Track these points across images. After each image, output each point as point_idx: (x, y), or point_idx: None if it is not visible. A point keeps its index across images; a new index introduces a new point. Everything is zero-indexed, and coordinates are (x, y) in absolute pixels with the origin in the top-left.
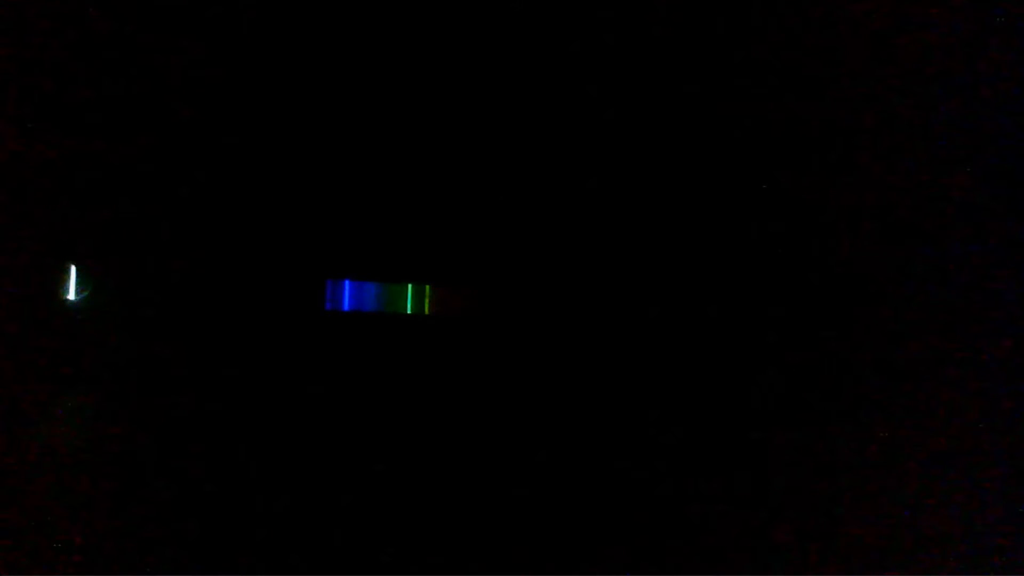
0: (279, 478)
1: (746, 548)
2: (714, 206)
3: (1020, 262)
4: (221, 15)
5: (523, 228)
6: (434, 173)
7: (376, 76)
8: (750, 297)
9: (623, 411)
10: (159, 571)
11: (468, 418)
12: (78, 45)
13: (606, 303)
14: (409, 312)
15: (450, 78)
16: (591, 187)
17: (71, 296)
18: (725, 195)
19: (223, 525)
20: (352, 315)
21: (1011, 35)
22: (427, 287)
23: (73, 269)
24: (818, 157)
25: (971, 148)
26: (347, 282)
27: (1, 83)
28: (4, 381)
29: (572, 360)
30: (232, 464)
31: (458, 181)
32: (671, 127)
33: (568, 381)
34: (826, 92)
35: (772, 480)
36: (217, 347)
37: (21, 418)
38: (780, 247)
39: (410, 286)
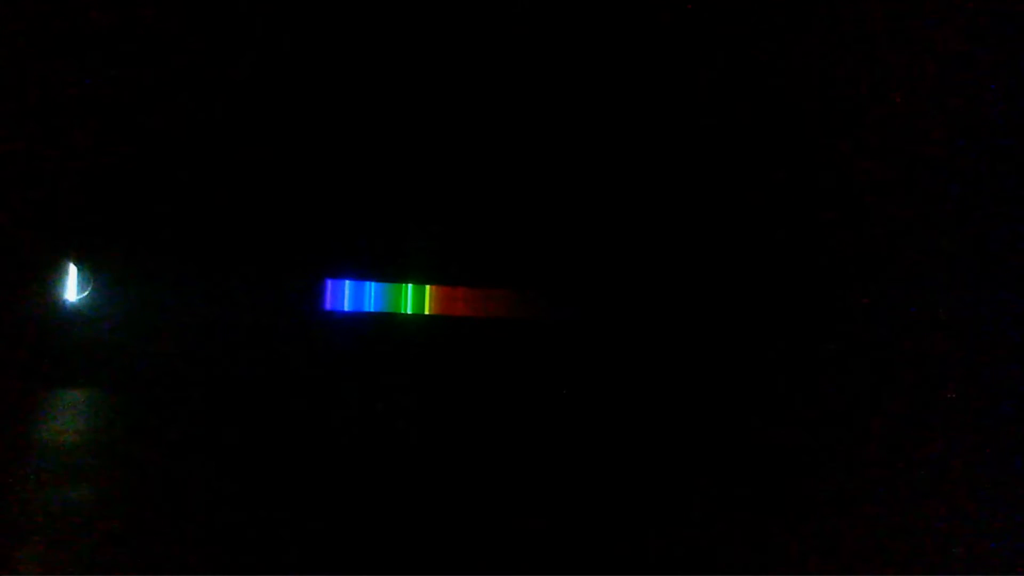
0: (279, 476)
1: (746, 548)
2: (714, 211)
3: (1020, 262)
4: (223, 18)
5: (523, 229)
6: (434, 175)
7: (377, 80)
8: (749, 300)
9: (622, 412)
10: (159, 570)
11: (467, 416)
12: (79, 47)
13: (605, 304)
14: (409, 312)
15: (451, 82)
16: (589, 189)
17: (71, 296)
18: (724, 199)
19: (223, 523)
20: (352, 315)
21: (1012, 35)
22: (427, 287)
23: (73, 269)
24: (819, 159)
25: (972, 148)
26: (347, 282)
27: (2, 84)
28: (4, 381)
29: (571, 360)
30: (232, 462)
31: (458, 183)
32: (675, 130)
33: (567, 381)
34: (826, 93)
35: (772, 480)
36: (217, 347)
37: (21, 418)
38: (781, 250)
39: (410, 286)
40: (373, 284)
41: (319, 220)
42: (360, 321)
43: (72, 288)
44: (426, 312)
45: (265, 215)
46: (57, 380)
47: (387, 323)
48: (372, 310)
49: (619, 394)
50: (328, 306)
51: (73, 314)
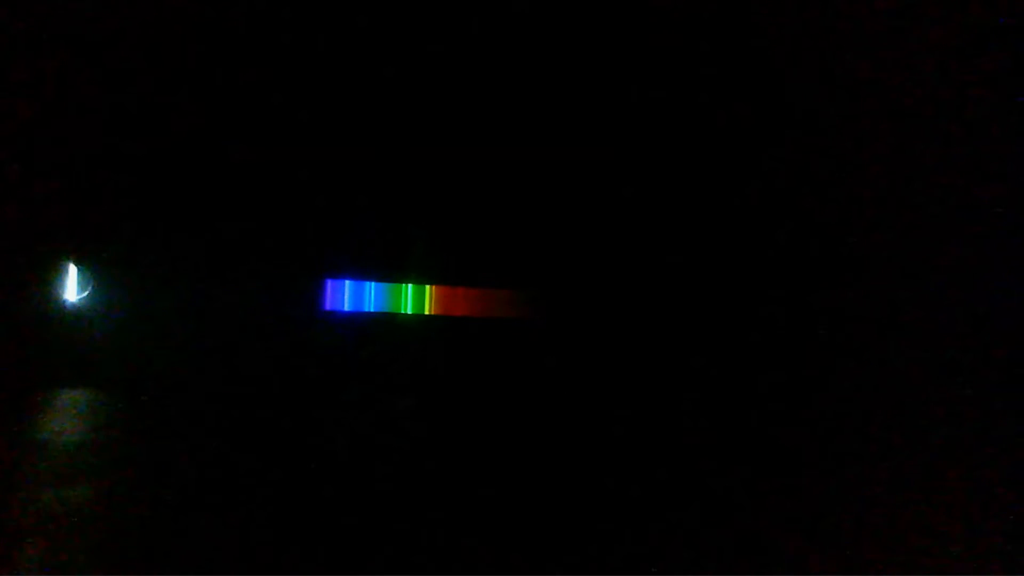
0: (280, 475)
1: (746, 548)
2: (714, 212)
3: (1020, 262)
4: (224, 19)
5: (522, 229)
6: (434, 176)
7: (378, 81)
8: (749, 300)
9: (623, 412)
10: (159, 570)
11: (467, 416)
12: (79, 48)
13: (604, 304)
14: (409, 312)
15: (451, 84)
16: (588, 190)
17: (71, 296)
18: (723, 200)
19: (223, 523)
20: (352, 315)
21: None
22: (427, 287)
23: (73, 269)
24: (820, 160)
25: (972, 148)
26: (347, 282)
27: (3, 85)
28: (4, 381)
29: (571, 360)
30: (232, 462)
31: (458, 184)
32: (673, 132)
33: (568, 381)
34: (827, 93)
35: (772, 480)
36: (217, 346)
37: (21, 418)
38: (782, 250)
39: (410, 286)
40: (373, 284)
41: (319, 220)
42: (360, 321)
43: (72, 288)
44: (426, 312)
45: (265, 215)
46: (57, 380)
47: (387, 323)
48: (372, 310)
49: (618, 393)
50: (328, 306)
51: (73, 314)
